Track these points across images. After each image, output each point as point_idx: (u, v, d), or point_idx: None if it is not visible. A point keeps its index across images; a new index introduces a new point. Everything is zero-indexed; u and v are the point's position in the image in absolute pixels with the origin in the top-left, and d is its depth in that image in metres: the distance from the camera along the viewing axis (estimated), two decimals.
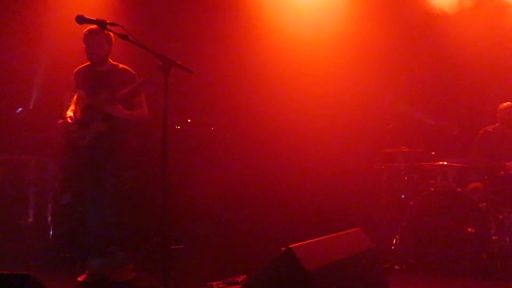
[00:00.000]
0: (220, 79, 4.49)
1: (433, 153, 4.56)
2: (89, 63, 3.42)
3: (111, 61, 3.42)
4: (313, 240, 2.23)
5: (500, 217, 3.92)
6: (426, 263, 3.90)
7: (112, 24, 2.50)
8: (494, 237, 3.84)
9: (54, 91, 4.49)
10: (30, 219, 4.43)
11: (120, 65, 3.43)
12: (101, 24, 2.50)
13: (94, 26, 3.12)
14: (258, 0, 4.86)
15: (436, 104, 5.14)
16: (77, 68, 3.46)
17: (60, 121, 3.39)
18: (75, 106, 3.42)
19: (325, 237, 2.36)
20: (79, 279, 3.25)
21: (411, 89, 5.02)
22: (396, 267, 4.00)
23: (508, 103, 4.57)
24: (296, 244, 2.06)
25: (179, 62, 2.40)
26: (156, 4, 4.65)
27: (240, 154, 4.49)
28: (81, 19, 2.51)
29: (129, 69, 3.45)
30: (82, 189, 3.45)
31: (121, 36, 2.44)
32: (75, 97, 3.49)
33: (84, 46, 3.33)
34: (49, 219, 4.43)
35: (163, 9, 4.57)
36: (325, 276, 2.09)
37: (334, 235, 2.42)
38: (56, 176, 4.49)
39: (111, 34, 3.25)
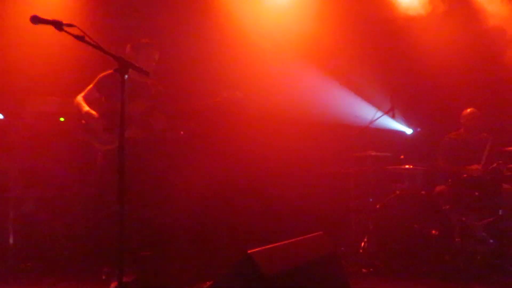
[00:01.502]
0: (186, 77, 4.44)
1: (402, 157, 4.63)
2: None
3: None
4: (274, 244, 2.21)
5: (463, 219, 4.01)
6: (392, 266, 3.95)
7: (68, 25, 2.43)
8: (457, 239, 3.93)
9: (15, 94, 4.36)
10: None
11: (151, 80, 3.48)
12: (57, 24, 2.42)
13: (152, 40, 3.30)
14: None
15: (403, 108, 5.23)
16: (105, 74, 3.40)
17: (85, 110, 3.28)
18: (89, 104, 3.33)
19: (286, 241, 2.34)
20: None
21: (379, 93, 5.08)
22: (364, 270, 4.04)
23: (471, 109, 4.70)
24: (255, 249, 2.04)
25: (137, 65, 2.37)
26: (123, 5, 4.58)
27: (206, 159, 4.45)
28: (36, 20, 2.42)
29: (158, 83, 3.50)
30: (106, 195, 3.34)
31: (78, 37, 2.37)
32: (81, 97, 3.38)
33: (134, 53, 3.37)
34: (9, 227, 4.27)
35: (134, 10, 4.52)
36: (285, 281, 2.07)
37: (296, 239, 2.41)
38: (17, 183, 4.35)
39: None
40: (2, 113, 4.35)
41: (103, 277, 3.28)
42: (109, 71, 3.35)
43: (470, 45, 5.02)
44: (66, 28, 2.42)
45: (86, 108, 3.31)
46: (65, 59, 4.24)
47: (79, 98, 3.41)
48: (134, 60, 3.27)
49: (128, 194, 3.08)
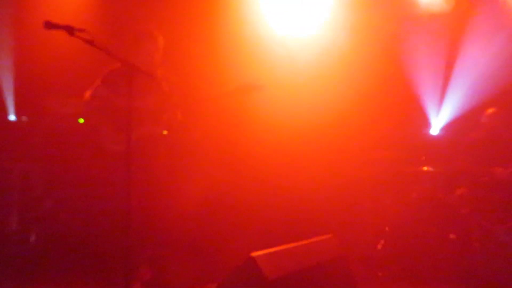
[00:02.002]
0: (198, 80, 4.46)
1: (423, 158, 4.53)
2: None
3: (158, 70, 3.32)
4: (278, 248, 2.19)
5: (484, 223, 3.89)
6: (409, 270, 3.88)
7: (79, 30, 2.48)
8: (476, 244, 3.82)
9: (35, 98, 4.49)
10: (13, 225, 4.40)
11: (162, 72, 3.34)
12: (69, 30, 2.48)
13: (152, 30, 3.16)
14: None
15: (423, 110, 5.13)
16: (112, 68, 3.22)
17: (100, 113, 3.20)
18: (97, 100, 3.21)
19: (293, 244, 2.33)
20: None
21: (397, 92, 5.00)
22: (379, 274, 3.98)
23: (493, 109, 4.55)
24: (258, 253, 2.03)
25: (143, 69, 2.39)
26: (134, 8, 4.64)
27: (213, 159, 4.46)
28: (49, 25, 2.49)
29: (169, 73, 3.34)
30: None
31: (88, 42, 2.42)
32: (88, 96, 3.26)
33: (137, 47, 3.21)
34: (31, 225, 4.41)
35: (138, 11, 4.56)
36: (288, 285, 2.06)
37: (302, 242, 2.39)
38: (38, 182, 4.48)
39: (162, 41, 3.24)
40: (24, 116, 4.50)
41: None
42: (115, 66, 3.20)
43: (492, 43, 4.86)
44: (77, 33, 2.48)
45: (94, 108, 3.22)
46: (84, 60, 4.31)
47: (87, 97, 3.29)
48: (135, 53, 3.18)
49: (141, 194, 3.10)
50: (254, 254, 2.01)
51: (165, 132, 3.33)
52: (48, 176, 4.45)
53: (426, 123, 5.16)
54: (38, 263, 4.03)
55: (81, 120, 4.66)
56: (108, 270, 3.30)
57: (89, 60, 4.08)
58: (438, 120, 5.14)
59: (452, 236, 3.85)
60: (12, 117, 4.59)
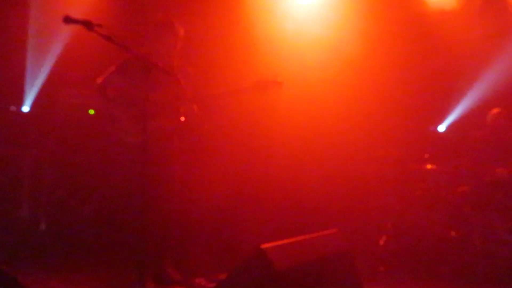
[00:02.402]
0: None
1: (427, 156, 4.59)
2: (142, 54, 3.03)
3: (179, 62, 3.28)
4: (287, 240, 2.27)
5: (485, 221, 3.97)
6: (410, 265, 3.96)
7: (98, 25, 2.54)
8: (477, 241, 3.90)
9: (49, 89, 4.57)
10: (24, 213, 4.51)
11: (189, 69, 3.30)
12: (88, 25, 2.54)
13: (173, 20, 3.11)
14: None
15: (428, 108, 5.18)
16: (130, 56, 2.99)
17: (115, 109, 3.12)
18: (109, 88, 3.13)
19: (300, 237, 2.41)
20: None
21: (402, 90, 5.05)
22: (381, 269, 4.06)
23: (498, 109, 4.60)
24: (268, 245, 2.11)
25: (161, 65, 2.45)
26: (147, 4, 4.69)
27: (225, 153, 4.54)
28: (68, 19, 2.55)
29: (187, 67, 3.29)
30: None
31: (105, 38, 2.48)
32: (100, 82, 3.16)
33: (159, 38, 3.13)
34: (41, 212, 4.51)
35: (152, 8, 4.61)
36: (296, 277, 2.14)
37: (310, 236, 2.47)
38: (50, 170, 4.57)
39: (182, 31, 3.18)
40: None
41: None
42: (134, 53, 2.96)
43: (498, 42, 4.90)
44: (96, 28, 2.54)
45: (111, 96, 3.15)
46: (95, 52, 4.35)
47: (100, 82, 3.19)
48: (155, 42, 3.13)
49: (155, 187, 3.11)
50: (264, 245, 2.09)
51: (182, 120, 3.23)
52: (59, 165, 4.55)
53: (432, 121, 5.22)
54: (48, 251, 4.11)
55: (91, 111, 4.74)
56: (117, 260, 3.34)
57: (100, 52, 4.15)
58: (445, 118, 5.22)
59: (453, 233, 3.93)
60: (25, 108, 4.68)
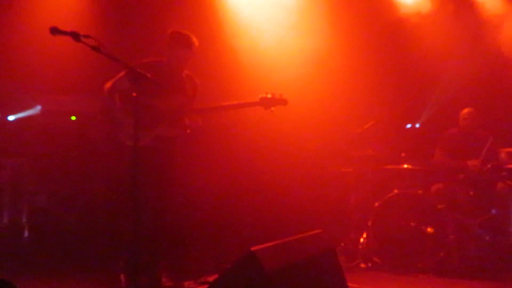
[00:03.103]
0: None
1: (403, 155, 4.77)
2: (153, 61, 3.18)
3: (187, 71, 3.34)
4: (276, 242, 2.37)
5: (459, 217, 4.17)
6: (389, 261, 4.11)
7: (85, 36, 2.57)
8: (451, 236, 4.09)
9: (30, 95, 4.53)
10: (5, 221, 4.46)
11: (196, 79, 3.34)
12: (75, 36, 2.57)
13: (190, 34, 3.15)
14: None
15: (402, 107, 5.37)
16: (140, 63, 3.09)
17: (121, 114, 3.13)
18: (118, 93, 3.13)
19: (287, 238, 2.51)
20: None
21: (379, 92, 5.22)
22: (362, 265, 4.21)
23: (469, 108, 4.82)
24: (257, 247, 2.21)
25: (149, 76, 2.50)
26: (133, 13, 4.70)
27: (209, 157, 4.60)
28: (55, 31, 2.57)
29: (194, 77, 3.34)
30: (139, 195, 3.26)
31: (93, 48, 2.52)
32: (109, 86, 3.17)
33: (173, 50, 3.18)
34: (24, 220, 4.47)
35: (141, 17, 4.62)
36: (285, 276, 2.24)
37: (296, 236, 2.57)
38: (31, 177, 4.54)
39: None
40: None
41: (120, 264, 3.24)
42: (145, 60, 3.19)
43: (471, 43, 5.12)
44: (83, 39, 2.57)
45: (118, 102, 3.15)
46: (77, 59, 4.34)
47: (109, 87, 3.21)
48: (169, 54, 3.16)
49: (153, 192, 3.08)
50: (254, 248, 2.18)
51: (188, 132, 3.32)
52: (41, 172, 4.51)
53: (407, 122, 5.42)
54: (31, 258, 4.09)
55: (73, 118, 4.72)
56: (103, 268, 3.35)
57: (84, 59, 4.15)
58: (420, 117, 5.43)
59: (429, 229, 4.10)
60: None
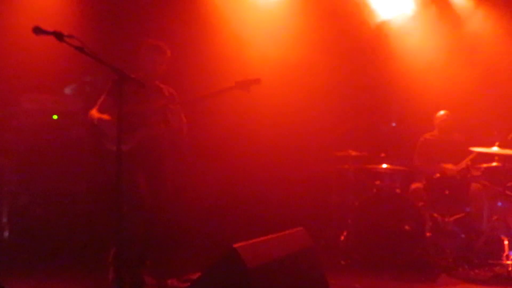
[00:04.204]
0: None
1: (383, 155, 4.90)
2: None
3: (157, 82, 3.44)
4: (257, 239, 2.43)
5: (435, 215, 4.30)
6: (369, 258, 4.21)
7: (69, 36, 2.58)
8: (428, 234, 4.22)
9: (10, 93, 4.48)
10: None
11: (162, 85, 3.45)
12: (58, 36, 2.57)
13: (161, 43, 3.28)
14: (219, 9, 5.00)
15: (382, 110, 5.51)
16: (115, 79, 3.08)
17: (98, 117, 3.23)
18: (105, 112, 3.26)
19: (269, 236, 2.57)
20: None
21: (359, 94, 5.34)
22: (342, 262, 4.31)
23: (444, 111, 4.98)
24: (239, 244, 2.26)
25: (133, 76, 2.53)
26: (120, 15, 4.69)
27: (189, 156, 4.63)
28: (38, 30, 2.57)
29: (170, 88, 3.47)
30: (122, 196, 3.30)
31: (77, 49, 2.53)
32: (94, 110, 3.32)
33: (143, 57, 3.33)
34: (4, 220, 4.43)
35: (128, 19, 4.62)
36: (267, 273, 2.30)
37: (278, 234, 2.64)
38: (12, 177, 4.49)
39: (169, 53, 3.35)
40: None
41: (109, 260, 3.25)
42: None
43: (446, 48, 5.29)
44: (66, 39, 2.58)
45: (97, 115, 3.27)
46: (58, 57, 4.33)
47: (93, 112, 3.35)
48: (142, 62, 3.33)
49: (143, 191, 3.15)
50: (236, 245, 2.24)
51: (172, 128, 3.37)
52: (22, 172, 4.47)
53: (387, 123, 5.56)
54: (12, 259, 4.05)
55: (55, 117, 4.69)
56: (86, 267, 3.36)
57: (63, 57, 4.14)
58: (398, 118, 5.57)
59: (407, 227, 4.23)
60: None
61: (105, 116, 3.25)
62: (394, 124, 5.44)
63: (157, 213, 3.29)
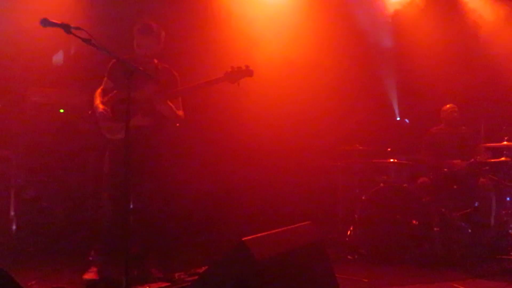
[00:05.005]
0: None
1: (389, 149, 4.87)
2: (127, 56, 3.24)
3: (155, 60, 3.35)
4: (266, 233, 2.42)
5: (442, 209, 4.27)
6: (376, 253, 4.20)
7: (76, 28, 2.58)
8: (435, 229, 4.20)
9: (17, 86, 4.49)
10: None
11: (163, 65, 3.35)
12: (66, 28, 2.57)
13: (151, 24, 3.18)
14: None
15: (390, 104, 5.47)
16: (113, 61, 3.30)
17: (90, 112, 3.28)
18: (103, 98, 3.29)
19: (277, 230, 2.56)
20: (85, 276, 3.20)
21: (367, 88, 5.31)
22: (349, 257, 4.30)
23: (450, 104, 4.94)
24: (248, 237, 2.25)
25: (141, 69, 2.52)
26: (128, 6, 4.68)
27: (199, 150, 4.64)
28: (45, 22, 2.57)
29: (172, 70, 3.37)
30: (108, 183, 3.30)
31: (85, 41, 2.53)
32: (99, 90, 3.36)
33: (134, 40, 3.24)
34: (12, 213, 4.45)
35: (133, 9, 4.61)
36: (275, 266, 2.29)
37: (286, 228, 2.63)
38: (19, 171, 4.51)
39: (162, 34, 3.27)
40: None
41: (90, 258, 3.32)
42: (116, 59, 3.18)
43: (453, 42, 5.25)
44: (73, 31, 2.58)
45: (96, 102, 3.28)
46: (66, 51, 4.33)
47: (97, 92, 3.37)
48: (136, 45, 3.24)
49: (135, 182, 3.10)
50: (245, 238, 2.23)
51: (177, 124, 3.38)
52: (29, 165, 4.49)
53: (394, 118, 5.53)
54: (21, 252, 4.06)
55: (62, 110, 4.70)
56: (91, 259, 3.38)
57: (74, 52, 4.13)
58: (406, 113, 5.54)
59: (414, 222, 4.20)
60: None
61: (100, 106, 3.25)
62: (407, 121, 5.40)
63: (148, 203, 3.25)
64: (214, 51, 4.65)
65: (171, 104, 3.26)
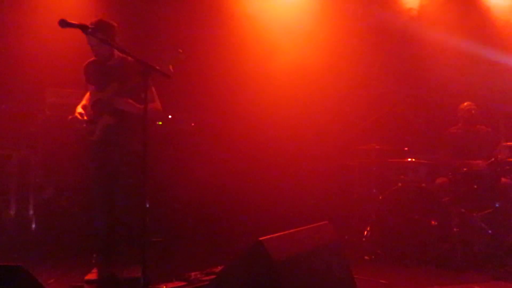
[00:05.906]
0: (200, 77, 4.62)
1: (406, 149, 4.80)
2: (89, 61, 3.38)
3: (120, 54, 3.25)
4: (283, 232, 2.40)
5: (462, 210, 4.19)
6: (393, 253, 4.14)
7: (93, 28, 2.61)
8: (455, 229, 4.12)
9: (35, 87, 4.56)
10: (12, 212, 4.50)
11: (129, 58, 3.13)
12: (83, 28, 2.61)
13: (84, 27, 3.03)
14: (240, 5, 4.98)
15: (406, 103, 5.40)
16: (86, 62, 3.40)
17: (70, 117, 3.39)
18: (87, 102, 3.42)
19: (294, 230, 2.54)
20: (87, 277, 3.24)
21: (383, 87, 5.25)
22: (366, 257, 4.25)
23: (468, 102, 4.85)
24: (265, 237, 2.24)
25: (158, 68, 2.53)
26: (140, 7, 4.72)
27: (217, 150, 4.65)
28: (63, 23, 2.61)
29: (140, 60, 3.34)
30: (93, 186, 3.40)
31: (102, 41, 2.55)
32: (88, 93, 3.46)
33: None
34: (31, 212, 4.52)
35: (147, 11, 4.64)
36: (292, 266, 2.27)
37: (303, 228, 2.61)
38: (38, 170, 4.57)
39: (107, 29, 3.14)
40: None
41: (93, 261, 3.37)
42: (90, 59, 3.36)
43: (471, 39, 5.15)
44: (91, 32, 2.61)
45: (78, 108, 3.42)
46: (84, 51, 4.37)
47: (86, 95, 3.48)
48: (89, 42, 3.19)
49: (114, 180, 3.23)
50: (262, 238, 2.22)
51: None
52: (47, 165, 4.55)
53: (412, 118, 5.45)
54: (39, 250, 4.12)
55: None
56: (108, 259, 3.41)
57: (88, 52, 4.16)
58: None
59: (433, 222, 4.13)
60: None
61: (77, 111, 3.36)
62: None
63: (122, 201, 3.28)
64: (227, 55, 4.66)
65: (130, 101, 3.24)
